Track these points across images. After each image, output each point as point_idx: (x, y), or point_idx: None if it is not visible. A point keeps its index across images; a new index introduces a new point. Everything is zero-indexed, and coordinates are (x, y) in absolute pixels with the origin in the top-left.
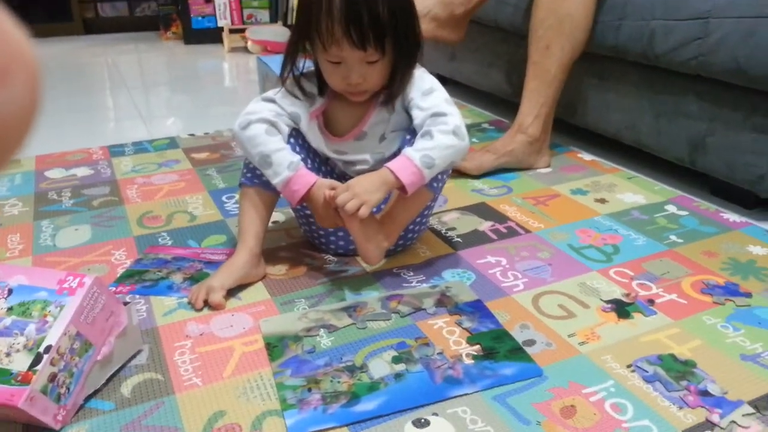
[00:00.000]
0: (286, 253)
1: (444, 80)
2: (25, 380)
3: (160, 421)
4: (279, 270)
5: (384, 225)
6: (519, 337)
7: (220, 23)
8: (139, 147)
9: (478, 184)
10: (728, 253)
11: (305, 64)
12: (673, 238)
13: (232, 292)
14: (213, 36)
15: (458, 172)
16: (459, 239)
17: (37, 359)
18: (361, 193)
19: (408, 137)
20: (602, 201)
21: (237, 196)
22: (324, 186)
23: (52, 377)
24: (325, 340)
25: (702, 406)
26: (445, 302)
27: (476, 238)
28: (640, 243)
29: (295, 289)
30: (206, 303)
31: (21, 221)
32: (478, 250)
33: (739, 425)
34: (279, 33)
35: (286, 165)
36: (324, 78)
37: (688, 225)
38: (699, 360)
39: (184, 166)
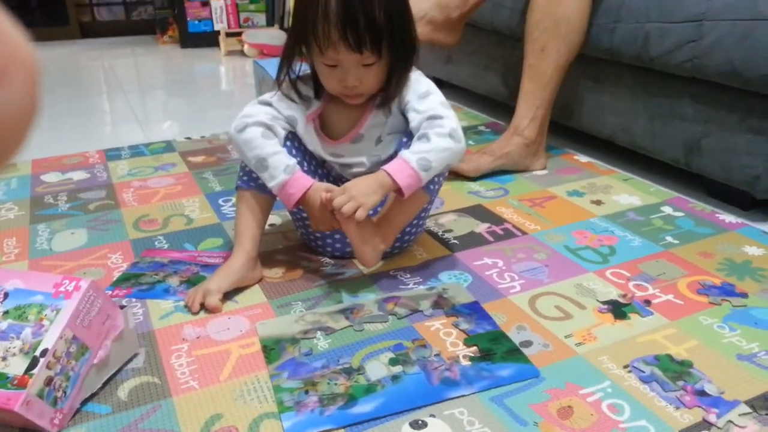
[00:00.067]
0: (283, 255)
1: (440, 83)
2: (21, 384)
3: (157, 424)
4: (276, 273)
5: (381, 227)
6: (516, 338)
7: (217, 27)
8: (136, 150)
9: (474, 186)
10: (724, 254)
11: (301, 68)
12: (669, 239)
13: (228, 295)
14: (209, 40)
15: (455, 174)
16: (456, 241)
17: (34, 363)
18: (358, 195)
19: (405, 140)
20: (598, 202)
21: (233, 199)
22: (320, 189)
23: (49, 381)
24: (322, 343)
25: (699, 406)
26: (442, 304)
27: (473, 240)
28: (636, 244)
29: (292, 291)
30: (203, 306)
31: (17, 225)
32: (474, 252)
33: (736, 425)
34: (276, 36)
35: (282, 168)
36: (320, 81)
37: (684, 226)
38: (696, 360)
39: (181, 170)
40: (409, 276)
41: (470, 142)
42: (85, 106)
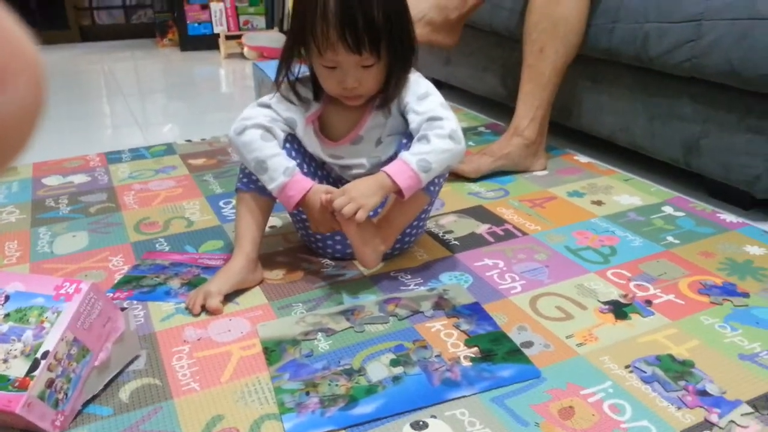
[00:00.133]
0: (284, 257)
1: (439, 84)
2: (22, 386)
3: (158, 425)
4: (276, 274)
5: (381, 229)
6: (517, 339)
7: (217, 30)
8: (136, 154)
9: (474, 187)
10: (725, 254)
11: (300, 70)
12: (669, 239)
13: (229, 297)
14: (209, 42)
15: (455, 176)
16: (456, 242)
17: (35, 365)
18: (358, 197)
19: (404, 141)
20: (599, 203)
21: (234, 202)
22: (320, 191)
23: (50, 383)
24: (323, 344)
25: (700, 406)
26: (442, 305)
27: (473, 241)
28: (637, 244)
29: (293, 293)
30: (204, 308)
31: (18, 228)
32: (475, 253)
33: (738, 425)
34: (275, 39)
35: (281, 170)
36: (319, 83)
37: (685, 226)
38: (697, 360)
39: (181, 172)
40: (409, 277)
41: (470, 143)
42: (86, 110)
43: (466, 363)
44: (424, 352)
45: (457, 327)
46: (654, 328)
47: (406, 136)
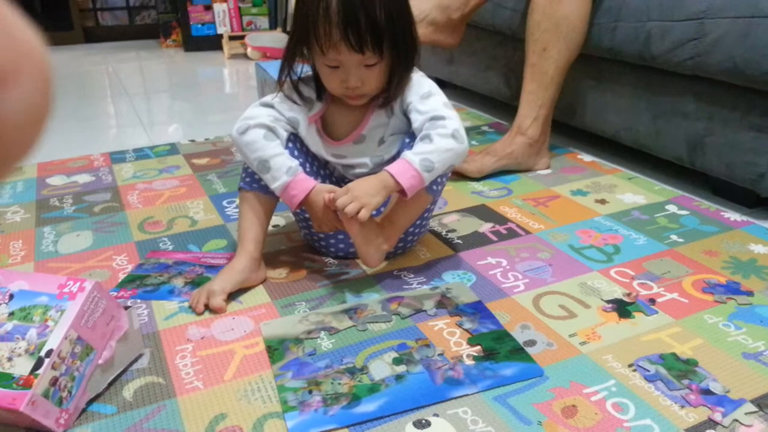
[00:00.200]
0: (287, 256)
1: (442, 84)
2: (26, 384)
3: (162, 424)
4: (280, 273)
5: (384, 228)
6: (520, 337)
7: (220, 30)
8: (140, 153)
9: (477, 186)
10: (729, 252)
11: (303, 69)
12: (673, 237)
13: (232, 296)
14: (213, 43)
15: (459, 175)
16: (459, 241)
17: (39, 363)
18: (361, 196)
19: (407, 140)
20: (602, 201)
21: (237, 201)
22: (323, 191)
23: (54, 381)
24: (325, 343)
25: (704, 405)
26: (445, 303)
27: (476, 240)
28: (640, 243)
29: (296, 292)
30: (207, 307)
31: (23, 228)
32: (478, 252)
33: (742, 423)
34: (278, 39)
35: (284, 170)
36: (322, 82)
37: (689, 224)
38: (701, 359)
39: (185, 172)
40: (412, 276)
41: (473, 142)
42: (90, 110)
43: (469, 361)
44: (426, 350)
45: (460, 325)
46: (657, 326)
47: (409, 135)
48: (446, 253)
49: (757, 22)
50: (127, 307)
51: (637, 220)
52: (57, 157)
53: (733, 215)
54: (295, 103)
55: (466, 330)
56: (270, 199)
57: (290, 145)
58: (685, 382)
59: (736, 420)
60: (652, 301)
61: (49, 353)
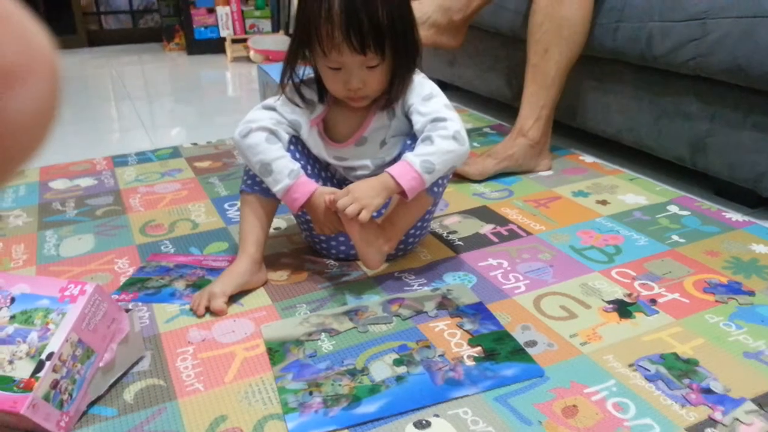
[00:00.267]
0: (288, 259)
1: (444, 85)
2: (27, 387)
3: (163, 426)
4: (281, 276)
5: (384, 229)
6: (520, 338)
7: (223, 33)
8: (143, 157)
9: (479, 187)
10: (731, 252)
11: (305, 72)
12: (675, 238)
13: (233, 299)
14: (216, 46)
15: (460, 177)
16: (460, 242)
17: (40, 366)
18: (362, 197)
19: (409, 142)
20: (604, 202)
21: (239, 204)
22: (324, 193)
23: (55, 384)
24: (326, 344)
25: (705, 404)
26: (446, 305)
27: (477, 241)
28: (641, 243)
29: (297, 294)
30: (208, 309)
31: (25, 232)
32: (479, 253)
33: (742, 422)
34: (281, 42)
35: (286, 173)
36: (324, 85)
37: (690, 225)
38: (701, 358)
39: (187, 175)
40: (413, 277)
41: (475, 144)
42: (93, 114)
43: (470, 362)
44: (427, 351)
45: (460, 327)
46: (658, 326)
47: (411, 137)
48: (447, 255)
49: (759, 22)
50: (128, 310)
51: (639, 221)
52: (59, 161)
53: (734, 215)
54: (297, 105)
55: (467, 331)
56: (271, 201)
57: (292, 147)
58: (686, 381)
59: (737, 419)
60: (653, 301)
61: (50, 356)
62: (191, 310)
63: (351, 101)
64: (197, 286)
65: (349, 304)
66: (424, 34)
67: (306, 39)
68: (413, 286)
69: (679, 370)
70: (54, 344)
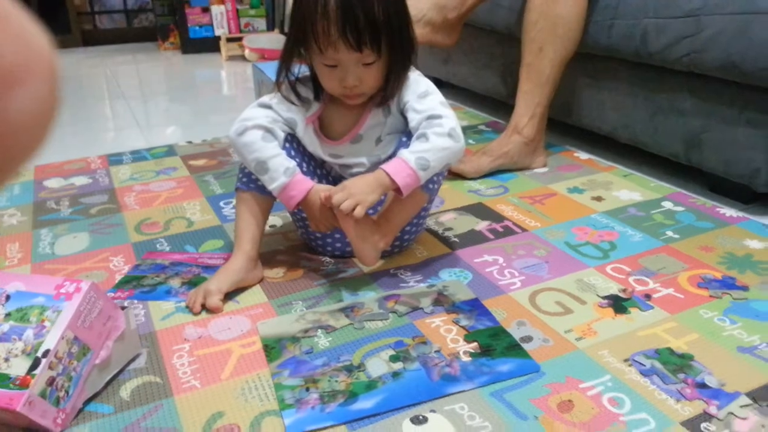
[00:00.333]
0: (284, 256)
1: (439, 83)
2: (23, 384)
3: (159, 423)
4: (277, 273)
5: (380, 226)
6: (516, 333)
7: (218, 32)
8: (138, 155)
9: (474, 184)
10: (725, 248)
11: (300, 70)
12: (669, 233)
13: (229, 296)
14: (210, 45)
15: (455, 175)
16: (456, 239)
17: (35, 363)
18: (356, 193)
19: (404, 140)
20: (599, 199)
21: (234, 201)
22: (320, 191)
23: (51, 381)
24: (322, 341)
25: (699, 399)
26: (442, 301)
27: (473, 238)
28: (636, 239)
29: (293, 291)
30: (204, 307)
31: (20, 230)
32: (475, 250)
33: (737, 416)
34: (276, 40)
35: (282, 171)
36: (319, 82)
37: (685, 221)
38: (696, 353)
39: (182, 173)
40: (409, 274)
41: (470, 141)
42: (88, 113)
43: (466, 358)
44: (423, 347)
45: (456, 323)
46: (653, 321)
47: (406, 134)
48: (443, 251)
49: (753, 19)
50: (123, 308)
51: (633, 217)
52: (54, 159)
53: (728, 211)
54: (292, 103)
55: (463, 327)
56: (267, 198)
57: (287, 145)
58: (681, 376)
59: (731, 413)
60: (648, 296)
61: (45, 353)
62: (187, 307)
63: (347, 98)
64: (193, 283)
65: (345, 301)
66: (419, 32)
67: (302, 36)
68: (409, 282)
69: (674, 364)
70: (50, 341)
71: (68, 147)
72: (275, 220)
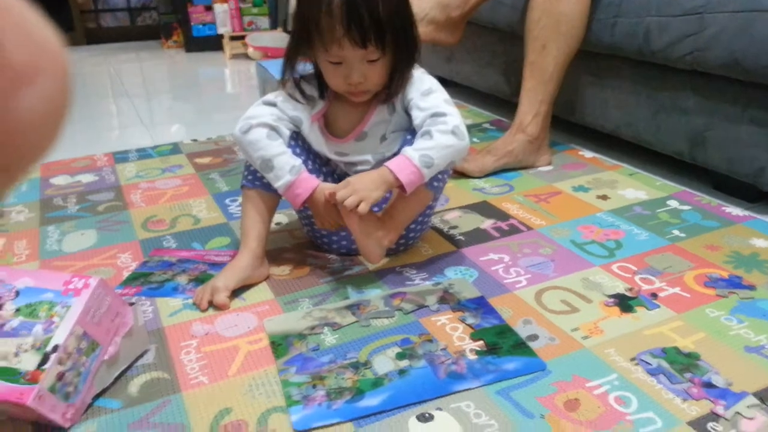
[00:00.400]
0: (290, 254)
1: (443, 81)
2: (33, 379)
3: (167, 418)
4: (283, 270)
5: (384, 223)
6: (522, 332)
7: (221, 31)
8: (143, 153)
9: (479, 183)
10: (731, 247)
11: (305, 68)
12: (675, 232)
13: (236, 293)
14: (214, 43)
15: (460, 174)
16: (461, 237)
17: (45, 358)
18: (360, 189)
19: (409, 137)
20: (604, 197)
21: (240, 199)
22: (326, 189)
23: (60, 376)
24: (329, 338)
25: (706, 398)
26: (448, 299)
27: (478, 236)
28: (642, 238)
29: (299, 288)
30: (211, 303)
31: (27, 227)
32: (480, 248)
33: (744, 416)
34: (279, 39)
35: (287, 169)
36: (324, 80)
37: (691, 219)
38: (703, 352)
39: (188, 171)
40: (415, 272)
41: (475, 139)
42: (93, 111)
43: (472, 356)
44: (429, 345)
45: (462, 321)
46: (659, 320)
47: (411, 132)
48: (448, 250)
49: (756, 17)
50: (131, 304)
51: (639, 216)
52: (60, 157)
53: (734, 210)
54: (297, 101)
55: (469, 325)
56: (272, 196)
57: (292, 143)
58: (688, 375)
59: (738, 413)
60: (654, 295)
61: (55, 348)
62: (194, 304)
63: (352, 96)
64: (200, 280)
65: (351, 299)
66: (423, 30)
67: (306, 34)
68: (415, 280)
69: (680, 364)
70: (59, 337)
71: (74, 144)
72: (281, 217)
